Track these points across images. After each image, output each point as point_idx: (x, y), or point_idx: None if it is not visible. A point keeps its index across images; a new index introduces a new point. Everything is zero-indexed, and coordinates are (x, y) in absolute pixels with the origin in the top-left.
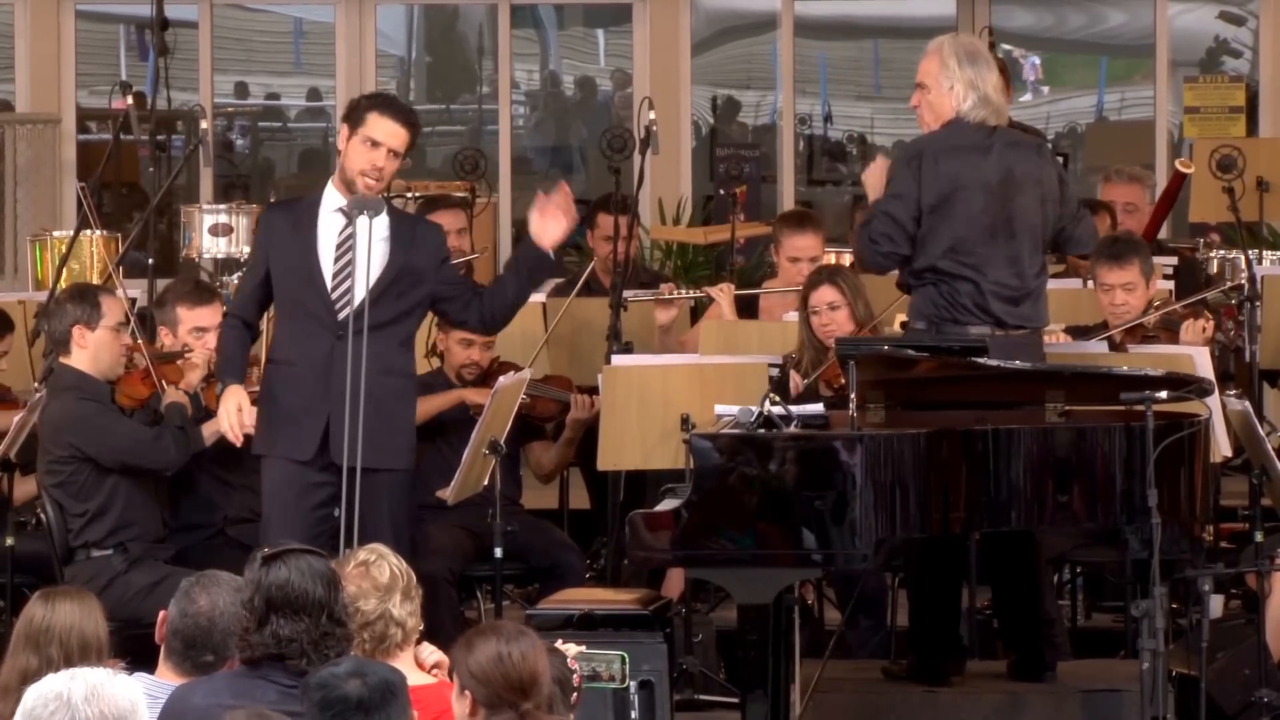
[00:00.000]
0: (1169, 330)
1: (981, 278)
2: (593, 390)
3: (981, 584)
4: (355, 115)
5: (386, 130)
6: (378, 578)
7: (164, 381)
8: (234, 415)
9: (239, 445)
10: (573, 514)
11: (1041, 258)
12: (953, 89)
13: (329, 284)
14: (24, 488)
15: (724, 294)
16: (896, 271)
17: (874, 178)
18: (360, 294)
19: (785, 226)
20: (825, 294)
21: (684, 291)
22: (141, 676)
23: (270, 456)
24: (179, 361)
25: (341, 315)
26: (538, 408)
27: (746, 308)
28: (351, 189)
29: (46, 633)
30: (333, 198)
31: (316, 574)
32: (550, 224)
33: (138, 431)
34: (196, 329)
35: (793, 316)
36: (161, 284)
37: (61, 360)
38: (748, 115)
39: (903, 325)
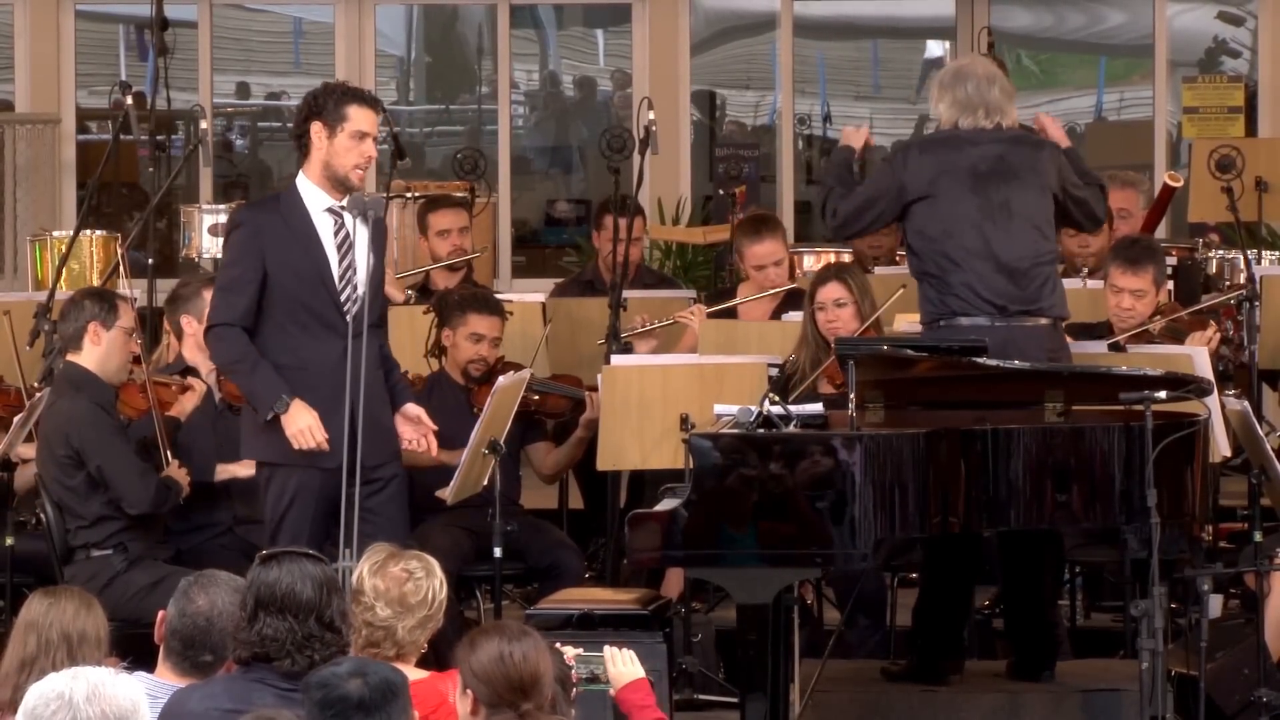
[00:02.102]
0: (1174, 338)
1: (979, 262)
2: (593, 389)
3: (981, 584)
4: (331, 112)
5: (370, 120)
6: (409, 594)
7: (159, 406)
8: (315, 435)
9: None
10: (572, 514)
11: (1050, 244)
12: (941, 110)
13: (337, 285)
14: (24, 475)
15: (696, 317)
16: (896, 269)
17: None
18: (361, 292)
19: (743, 236)
20: (832, 290)
21: (657, 322)
22: (141, 676)
23: (286, 464)
24: (174, 387)
25: (349, 316)
26: (548, 404)
27: (727, 317)
28: (344, 185)
29: (46, 615)
30: (318, 196)
31: (309, 576)
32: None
33: (131, 460)
34: None
35: (793, 316)
36: (161, 284)
37: (69, 358)
38: (747, 115)
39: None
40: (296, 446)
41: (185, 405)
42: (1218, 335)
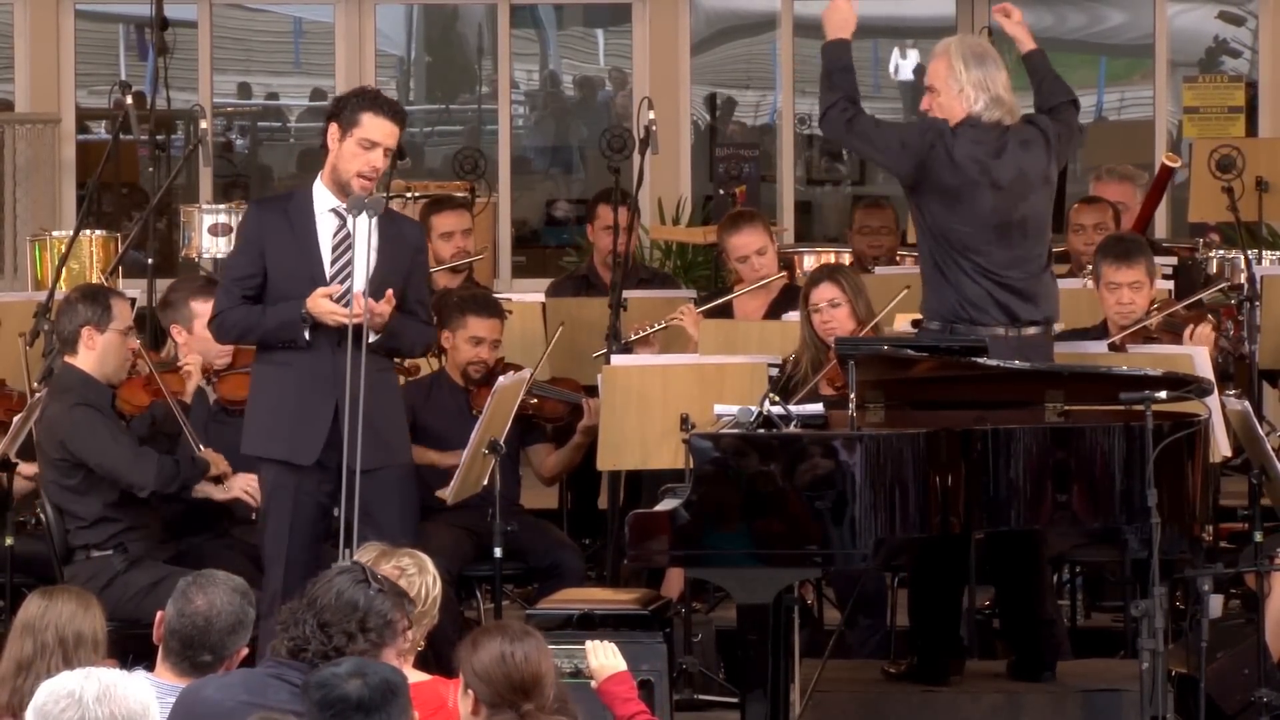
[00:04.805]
0: (1172, 333)
1: (994, 276)
2: (591, 389)
3: (981, 584)
4: (347, 115)
5: (383, 131)
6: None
7: (169, 392)
8: (336, 313)
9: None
10: (572, 514)
11: (1048, 247)
12: (962, 91)
13: (328, 285)
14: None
15: (686, 316)
16: (897, 269)
17: (836, 15)
18: (357, 292)
19: (724, 232)
20: (825, 291)
21: (650, 326)
22: (140, 675)
23: (265, 459)
24: (180, 371)
25: None
26: (546, 409)
27: (721, 315)
28: (346, 189)
29: (43, 617)
30: (325, 198)
31: (348, 606)
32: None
33: (123, 443)
34: None
35: (793, 316)
36: (161, 284)
37: (66, 360)
38: (747, 115)
39: (914, 323)
40: (334, 324)
41: (189, 387)
42: (1216, 333)
